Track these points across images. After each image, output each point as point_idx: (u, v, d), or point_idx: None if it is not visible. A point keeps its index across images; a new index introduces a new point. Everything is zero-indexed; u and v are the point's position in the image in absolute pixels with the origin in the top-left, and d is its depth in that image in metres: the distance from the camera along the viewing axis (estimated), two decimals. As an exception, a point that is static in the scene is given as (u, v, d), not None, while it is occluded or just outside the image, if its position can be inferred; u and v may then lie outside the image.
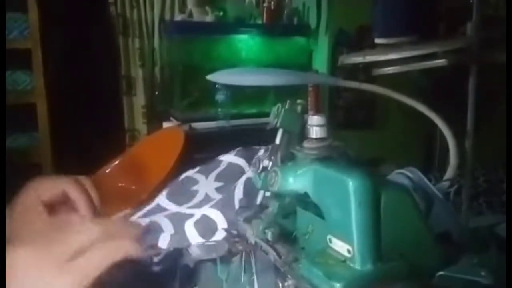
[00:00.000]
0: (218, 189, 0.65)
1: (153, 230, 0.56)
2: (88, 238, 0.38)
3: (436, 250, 0.41)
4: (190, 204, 0.63)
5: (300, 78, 1.10)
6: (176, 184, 0.70)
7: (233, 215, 0.53)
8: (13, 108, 1.62)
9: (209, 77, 0.89)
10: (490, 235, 0.65)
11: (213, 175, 0.69)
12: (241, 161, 0.70)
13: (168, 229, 0.55)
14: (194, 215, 0.57)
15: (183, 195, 0.66)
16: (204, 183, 0.67)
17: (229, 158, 0.72)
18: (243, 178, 0.61)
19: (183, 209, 0.62)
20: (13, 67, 1.88)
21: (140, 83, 2.30)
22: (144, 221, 0.60)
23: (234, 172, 0.68)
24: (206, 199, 0.63)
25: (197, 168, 0.73)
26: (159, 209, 0.64)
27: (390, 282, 0.34)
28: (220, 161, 0.73)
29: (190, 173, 0.72)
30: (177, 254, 0.58)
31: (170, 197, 0.66)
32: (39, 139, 1.93)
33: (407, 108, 0.89)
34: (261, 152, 0.71)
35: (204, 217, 0.56)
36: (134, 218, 0.65)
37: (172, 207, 0.64)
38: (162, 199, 0.67)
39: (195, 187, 0.67)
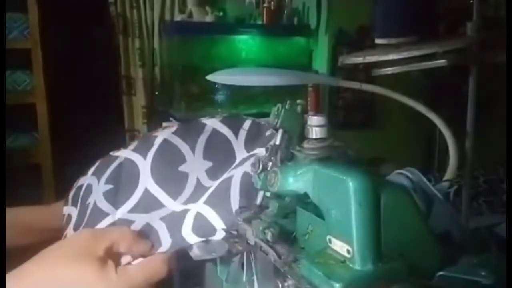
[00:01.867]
0: (208, 173, 0.63)
1: (150, 236, 0.55)
2: None
3: (436, 250, 0.41)
4: (183, 197, 0.60)
5: (300, 78, 1.10)
6: (159, 158, 0.64)
7: (229, 215, 0.53)
8: (13, 108, 1.63)
9: (209, 77, 0.89)
10: (490, 235, 0.65)
11: (199, 148, 0.65)
12: (225, 130, 0.66)
13: (165, 238, 0.54)
14: (190, 217, 0.56)
15: (172, 180, 0.62)
16: (192, 160, 0.63)
17: (213, 123, 0.68)
18: (239, 172, 0.58)
19: (178, 206, 0.59)
20: (13, 67, 1.89)
21: (140, 83, 2.30)
22: (137, 220, 0.58)
23: (220, 145, 0.65)
24: (199, 189, 0.60)
25: (174, 128, 0.67)
26: (149, 197, 0.60)
27: (390, 282, 0.34)
28: (204, 125, 0.68)
29: (167, 134, 0.66)
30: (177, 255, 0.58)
31: (158, 182, 0.61)
32: (39, 139, 1.93)
33: (407, 109, 0.89)
34: (247, 123, 0.67)
35: (199, 216, 0.55)
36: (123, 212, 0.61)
37: (165, 200, 0.60)
38: (150, 182, 0.62)
39: (183, 167, 0.63)
